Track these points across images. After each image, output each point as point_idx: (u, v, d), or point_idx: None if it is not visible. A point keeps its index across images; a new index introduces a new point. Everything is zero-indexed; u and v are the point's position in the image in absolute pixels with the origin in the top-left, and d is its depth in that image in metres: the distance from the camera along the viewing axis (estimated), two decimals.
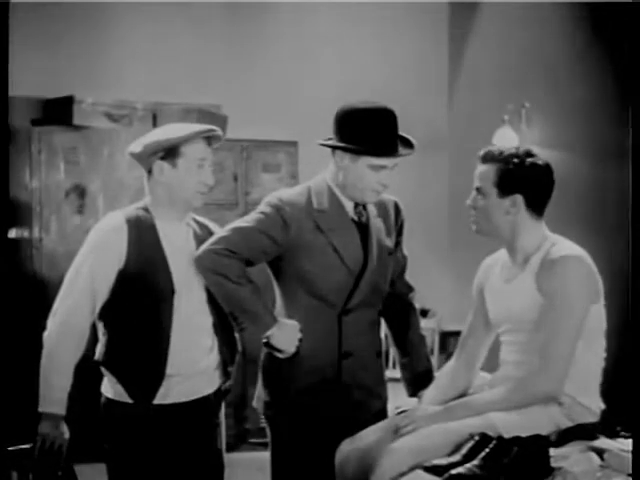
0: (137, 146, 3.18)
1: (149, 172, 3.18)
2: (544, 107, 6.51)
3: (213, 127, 3.21)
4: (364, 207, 3.23)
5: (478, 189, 3.04)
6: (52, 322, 3.11)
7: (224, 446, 3.38)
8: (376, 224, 3.24)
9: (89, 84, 6.33)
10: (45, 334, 3.11)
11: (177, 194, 3.16)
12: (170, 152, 3.13)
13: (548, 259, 2.92)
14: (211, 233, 3.29)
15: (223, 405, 3.34)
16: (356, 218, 3.21)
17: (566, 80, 6.29)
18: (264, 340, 3.10)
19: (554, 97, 6.42)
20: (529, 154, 3.02)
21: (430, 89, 7.48)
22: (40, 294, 5.58)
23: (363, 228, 3.22)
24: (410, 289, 3.40)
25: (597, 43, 6.02)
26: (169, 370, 3.11)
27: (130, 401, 3.12)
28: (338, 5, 7.21)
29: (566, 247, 2.95)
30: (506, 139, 6.61)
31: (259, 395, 3.26)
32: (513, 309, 2.98)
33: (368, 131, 3.09)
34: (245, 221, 3.16)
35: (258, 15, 7.02)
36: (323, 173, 3.25)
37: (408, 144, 3.18)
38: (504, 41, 6.93)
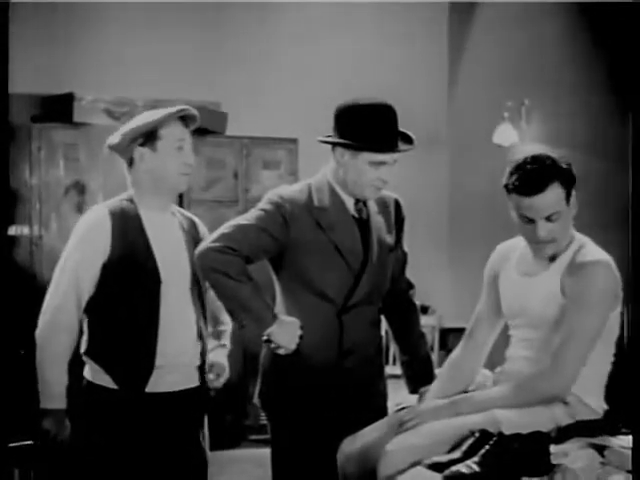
0: (115, 137, 3.19)
1: (130, 163, 3.18)
2: (544, 104, 6.51)
3: (186, 107, 3.20)
4: (364, 204, 3.23)
5: (548, 218, 2.85)
6: (42, 320, 3.13)
7: (207, 442, 3.33)
8: (377, 221, 3.24)
9: (89, 81, 6.34)
10: (37, 332, 3.13)
11: (160, 179, 3.16)
12: (149, 137, 3.14)
13: (577, 262, 2.87)
14: (195, 226, 3.30)
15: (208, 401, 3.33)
16: (357, 215, 3.21)
17: (565, 77, 6.29)
18: (264, 337, 3.10)
19: (554, 94, 6.42)
20: (554, 157, 2.95)
21: (430, 87, 7.48)
22: (40, 291, 5.59)
23: (363, 225, 3.21)
24: (410, 286, 3.39)
25: (597, 41, 6.03)
26: (158, 361, 3.11)
27: (115, 387, 3.11)
28: (338, 5, 7.21)
29: (594, 251, 2.90)
30: (506, 136, 6.62)
31: (260, 392, 3.27)
32: (531, 305, 2.94)
33: (368, 127, 3.08)
34: (245, 218, 3.15)
35: (258, 13, 7.02)
36: (324, 170, 3.25)
37: (408, 140, 3.18)
38: (504, 39, 6.93)
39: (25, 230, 6.01)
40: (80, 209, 5.99)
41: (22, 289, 5.68)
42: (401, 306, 3.37)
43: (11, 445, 3.16)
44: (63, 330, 3.09)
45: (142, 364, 3.10)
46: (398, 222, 3.32)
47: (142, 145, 3.14)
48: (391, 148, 3.11)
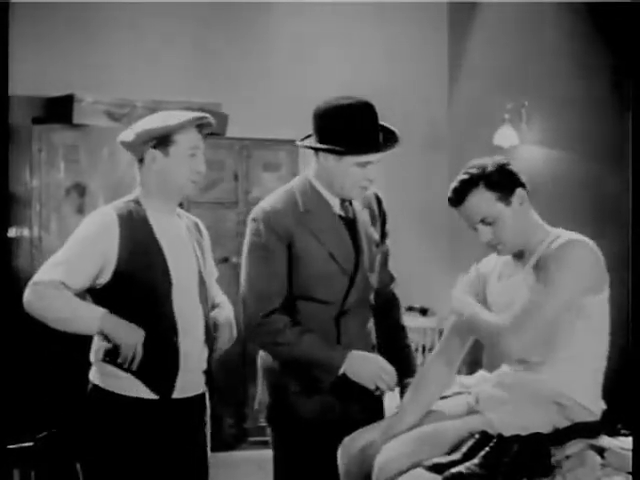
0: (129, 135, 3.14)
1: (140, 161, 3.15)
2: (544, 106, 6.51)
3: (205, 114, 3.17)
4: (350, 202, 3.22)
5: (483, 220, 2.92)
6: (30, 290, 3.06)
7: (209, 445, 3.32)
8: (362, 217, 3.24)
9: (89, 83, 6.33)
10: (26, 302, 3.06)
11: (169, 183, 3.13)
12: (163, 140, 3.10)
13: (550, 249, 2.88)
14: (199, 228, 3.28)
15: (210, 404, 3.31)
16: (343, 214, 3.20)
17: (566, 79, 6.29)
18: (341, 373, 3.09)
19: (554, 96, 6.42)
20: (486, 162, 2.98)
21: (430, 88, 7.48)
22: None
23: (351, 224, 3.21)
24: (392, 279, 3.39)
25: (597, 42, 6.02)
26: (181, 363, 3.08)
27: (130, 394, 3.07)
28: (338, 5, 7.21)
29: (569, 235, 2.91)
30: (506, 138, 6.62)
31: (260, 397, 3.26)
32: (514, 302, 2.96)
33: (351, 130, 3.05)
34: (258, 264, 3.12)
35: (259, 14, 7.02)
36: (305, 172, 3.23)
37: (391, 134, 3.15)
38: (504, 40, 6.93)
39: (25, 232, 6.01)
40: (80, 211, 5.99)
41: (22, 291, 5.67)
42: (383, 299, 3.35)
43: (11, 447, 3.14)
44: (52, 290, 3.02)
45: (167, 367, 3.07)
46: (381, 216, 3.31)
47: (155, 147, 3.11)
48: (377, 149, 3.08)
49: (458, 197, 2.91)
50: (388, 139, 3.12)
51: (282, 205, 3.15)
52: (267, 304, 3.09)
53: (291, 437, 3.20)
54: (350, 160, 3.07)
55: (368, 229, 3.23)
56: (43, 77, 6.31)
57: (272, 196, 3.21)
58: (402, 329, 3.38)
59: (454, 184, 2.93)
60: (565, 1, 6.27)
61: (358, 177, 3.09)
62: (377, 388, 3.11)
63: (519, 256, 3.01)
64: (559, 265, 2.81)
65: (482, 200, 2.90)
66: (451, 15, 7.48)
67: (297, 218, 3.13)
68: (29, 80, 6.10)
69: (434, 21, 7.49)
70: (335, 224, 3.17)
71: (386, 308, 3.36)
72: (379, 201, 3.32)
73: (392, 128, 3.16)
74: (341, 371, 3.07)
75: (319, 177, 3.17)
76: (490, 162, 2.94)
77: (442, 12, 7.51)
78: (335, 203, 3.18)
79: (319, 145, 3.09)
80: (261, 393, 3.26)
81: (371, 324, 3.29)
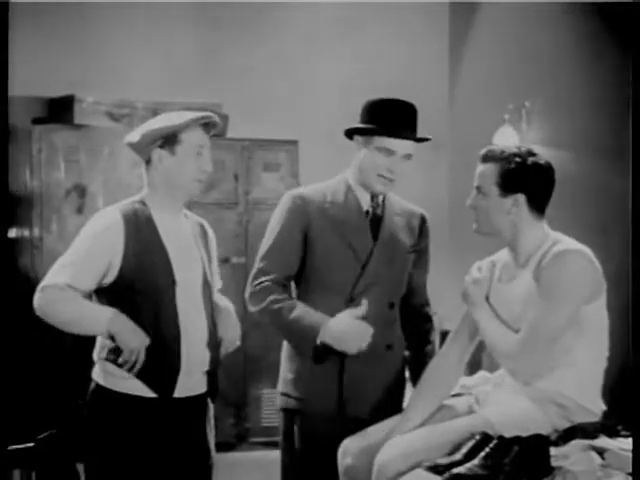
0: (135, 135, 3.17)
1: (147, 162, 3.16)
2: (544, 106, 6.51)
3: (210, 114, 3.19)
4: (383, 201, 3.30)
5: (478, 188, 3.05)
6: (39, 296, 3.03)
7: (213, 446, 3.32)
8: (393, 219, 3.32)
9: (90, 83, 6.33)
10: (37, 307, 3.03)
11: (176, 182, 3.14)
12: (169, 140, 3.12)
13: (548, 255, 2.92)
14: (205, 230, 3.29)
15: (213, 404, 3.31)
16: (370, 210, 3.27)
17: (566, 79, 6.29)
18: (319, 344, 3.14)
19: (555, 96, 6.42)
20: (531, 153, 3.02)
21: (430, 89, 7.48)
22: None
23: (377, 219, 3.29)
24: (427, 302, 3.55)
25: (597, 41, 6.03)
26: (182, 363, 3.08)
27: (132, 393, 3.06)
28: (339, 5, 7.21)
29: (567, 243, 2.95)
30: (506, 138, 6.61)
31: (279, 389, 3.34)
32: (513, 307, 2.98)
33: (381, 114, 3.20)
34: (273, 234, 3.25)
35: (259, 14, 7.02)
36: (345, 172, 3.34)
37: (425, 139, 3.28)
38: (504, 41, 6.93)
39: (25, 232, 6.01)
40: (81, 211, 5.99)
41: (23, 291, 5.67)
42: (415, 315, 3.47)
43: (12, 448, 3.14)
44: (60, 293, 3.01)
45: (168, 367, 3.07)
46: (421, 233, 3.42)
47: (161, 147, 3.13)
48: (399, 134, 3.18)
49: (483, 157, 3.05)
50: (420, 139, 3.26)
51: (311, 194, 3.28)
52: (263, 276, 3.21)
53: (300, 427, 3.24)
54: (376, 143, 3.19)
55: (397, 231, 3.32)
56: (43, 77, 6.31)
57: (308, 187, 3.36)
58: (431, 345, 3.47)
59: (494, 146, 3.09)
60: (565, 1, 6.27)
61: (379, 163, 3.20)
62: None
63: (518, 258, 3.02)
64: (559, 279, 2.86)
65: (488, 173, 3.02)
66: (452, 16, 7.48)
67: (320, 206, 3.25)
68: (29, 80, 6.09)
69: (435, 21, 7.49)
70: (358, 216, 3.26)
71: (417, 323, 3.47)
72: (423, 220, 3.44)
73: (428, 137, 3.27)
74: (319, 340, 3.12)
75: (354, 172, 3.29)
76: (523, 156, 3.01)
77: (443, 12, 7.51)
78: (365, 199, 3.29)
79: (353, 125, 3.24)
80: (281, 380, 3.33)
81: (393, 327, 3.31)
